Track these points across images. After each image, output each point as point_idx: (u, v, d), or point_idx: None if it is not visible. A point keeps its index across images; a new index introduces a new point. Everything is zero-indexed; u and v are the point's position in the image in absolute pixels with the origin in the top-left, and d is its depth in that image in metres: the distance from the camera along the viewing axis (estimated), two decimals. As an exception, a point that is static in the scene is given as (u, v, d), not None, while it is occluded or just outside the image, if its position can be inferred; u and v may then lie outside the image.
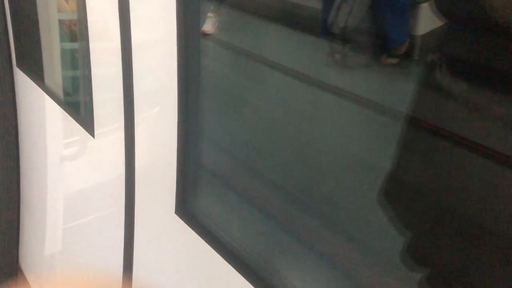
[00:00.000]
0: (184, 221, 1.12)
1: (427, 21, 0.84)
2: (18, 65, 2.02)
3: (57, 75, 1.98)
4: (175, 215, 1.15)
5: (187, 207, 1.14)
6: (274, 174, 1.15)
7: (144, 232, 1.34)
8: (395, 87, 0.96)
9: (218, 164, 1.21)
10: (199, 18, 1.06)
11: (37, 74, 1.92)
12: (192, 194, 1.16)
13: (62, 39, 1.97)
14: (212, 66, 1.21)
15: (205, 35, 1.26)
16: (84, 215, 1.73)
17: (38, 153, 2.05)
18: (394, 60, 0.94)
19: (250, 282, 0.96)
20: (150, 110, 1.22)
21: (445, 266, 0.78)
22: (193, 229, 1.10)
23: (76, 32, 1.86)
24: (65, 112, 1.69)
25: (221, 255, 1.03)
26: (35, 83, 1.88)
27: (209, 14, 1.32)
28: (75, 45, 1.92)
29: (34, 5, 1.88)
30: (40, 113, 1.95)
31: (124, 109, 1.26)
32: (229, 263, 1.01)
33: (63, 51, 1.99)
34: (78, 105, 1.78)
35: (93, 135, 1.48)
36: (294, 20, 1.20)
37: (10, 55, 2.04)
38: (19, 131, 2.17)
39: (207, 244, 1.06)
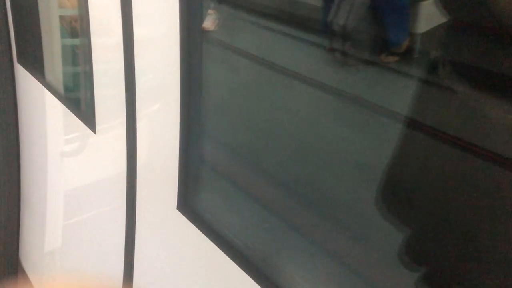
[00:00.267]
0: (186, 217, 1.12)
1: (427, 19, 0.84)
2: (19, 61, 2.02)
3: (58, 71, 1.97)
4: (177, 211, 1.15)
5: (189, 203, 1.14)
6: (276, 170, 1.15)
7: (145, 228, 1.34)
8: (394, 85, 0.96)
9: (220, 159, 1.21)
10: (202, 14, 1.06)
11: (38, 70, 1.92)
12: (194, 190, 1.16)
13: (62, 35, 1.97)
14: (213, 63, 1.21)
15: (205, 32, 1.26)
16: (85, 211, 1.73)
17: (38, 149, 2.05)
18: (394, 58, 0.94)
19: (253, 278, 0.96)
20: (152, 106, 1.22)
21: (443, 264, 0.78)
22: (195, 225, 1.10)
23: (77, 28, 1.86)
24: (66, 108, 1.68)
25: (223, 251, 1.03)
26: (36, 78, 1.88)
27: (210, 11, 1.32)
28: (76, 41, 1.91)
29: (35, 0, 1.88)
30: (41, 109, 1.95)
31: (126, 105, 1.26)
32: (231, 259, 1.01)
33: (64, 47, 1.99)
34: (79, 101, 1.78)
35: (94, 131, 1.48)
36: (293, 18, 1.19)
37: (11, 51, 2.04)
38: (19, 127, 2.17)
39: (209, 240, 1.06)
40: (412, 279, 0.82)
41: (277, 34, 1.27)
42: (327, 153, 1.08)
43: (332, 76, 1.08)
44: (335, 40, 1.05)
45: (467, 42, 0.75)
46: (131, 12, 1.16)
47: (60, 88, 1.83)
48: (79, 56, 1.83)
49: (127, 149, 1.30)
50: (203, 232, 1.08)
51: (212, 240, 1.06)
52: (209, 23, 1.29)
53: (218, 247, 1.04)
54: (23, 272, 2.41)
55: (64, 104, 1.70)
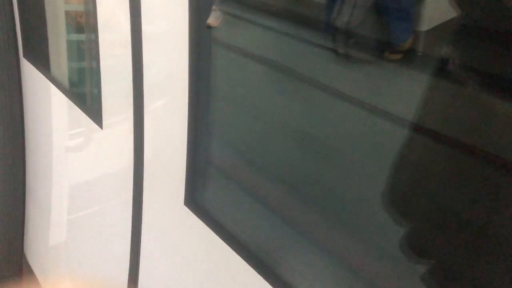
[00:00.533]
0: (193, 213, 1.12)
1: (432, 16, 0.84)
2: (25, 56, 2.02)
3: (64, 66, 1.98)
4: (185, 206, 1.15)
5: (196, 199, 1.14)
6: (283, 167, 1.15)
7: (152, 223, 1.34)
8: (398, 83, 0.96)
9: (228, 155, 1.21)
10: (211, 10, 1.06)
11: (43, 64, 1.92)
12: (202, 185, 1.16)
13: (68, 30, 1.97)
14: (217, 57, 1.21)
15: (209, 28, 1.26)
16: (90, 206, 1.73)
17: (44, 144, 2.05)
18: (397, 56, 0.94)
19: (260, 274, 0.96)
20: (159, 101, 1.22)
21: (447, 258, 0.78)
22: (203, 221, 1.10)
23: (82, 23, 1.86)
24: (71, 103, 1.68)
25: (230, 246, 1.03)
26: (42, 73, 1.88)
27: (214, 7, 1.32)
28: (82, 37, 1.92)
29: (41, -4, 1.88)
30: (47, 104, 1.95)
31: (134, 100, 1.26)
32: (239, 254, 1.01)
33: (69, 43, 1.99)
34: (85, 95, 1.78)
35: (101, 126, 1.48)
36: (297, 15, 1.19)
37: (17, 46, 2.04)
38: (25, 122, 2.17)
39: (217, 236, 1.06)
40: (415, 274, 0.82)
41: (280, 31, 1.27)
42: (330, 150, 1.08)
43: (336, 74, 1.08)
44: (338, 37, 1.04)
45: (478, 40, 0.75)
46: (140, 7, 1.16)
47: (66, 83, 1.84)
48: (85, 51, 1.83)
49: (134, 144, 1.31)
50: (211, 228, 1.08)
51: (220, 236, 1.06)
52: (213, 19, 1.29)
53: (226, 243, 1.04)
54: (28, 266, 2.42)
55: (70, 99, 1.70)
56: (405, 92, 0.91)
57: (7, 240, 2.27)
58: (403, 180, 0.89)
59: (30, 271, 2.39)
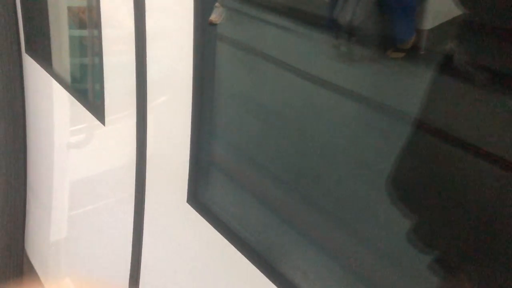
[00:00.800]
0: (196, 210, 1.12)
1: (435, 15, 0.84)
2: (27, 51, 2.01)
3: (66, 62, 1.97)
4: (187, 204, 1.14)
5: (199, 196, 1.14)
6: (287, 166, 1.14)
7: (154, 220, 1.33)
8: (401, 81, 0.96)
9: (231, 153, 1.20)
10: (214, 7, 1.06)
11: (45, 60, 1.91)
12: (205, 183, 1.16)
13: (70, 26, 1.97)
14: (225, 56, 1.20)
15: (212, 25, 1.25)
16: (92, 202, 1.73)
17: (46, 140, 2.05)
18: (400, 54, 0.93)
19: (263, 272, 0.96)
20: (163, 97, 1.21)
21: (453, 247, 0.79)
22: (205, 219, 1.09)
23: (85, 19, 1.85)
24: (73, 99, 1.68)
25: (233, 244, 1.03)
26: (44, 69, 1.88)
27: (216, 4, 1.32)
28: (84, 32, 1.91)
29: (44, -9, 1.87)
30: (49, 100, 1.94)
31: (137, 96, 1.26)
32: (241, 252, 1.01)
33: (72, 38, 1.99)
34: (87, 92, 1.77)
35: (103, 122, 1.48)
36: (299, 12, 1.19)
37: (19, 41, 2.03)
38: (27, 117, 2.17)
39: (219, 234, 1.06)
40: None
41: (283, 29, 1.26)
42: (330, 150, 1.07)
43: (338, 72, 1.07)
44: (340, 35, 1.04)
45: (482, 39, 0.75)
46: (144, 2, 1.15)
47: (68, 79, 1.83)
48: (88, 47, 1.83)
49: (137, 141, 1.30)
50: (213, 226, 1.08)
51: (222, 234, 1.05)
52: (215, 16, 1.28)
53: (228, 240, 1.04)
54: (28, 262, 2.42)
55: (72, 95, 1.69)
56: (408, 90, 0.90)
57: (8, 237, 2.26)
58: (407, 177, 0.89)
59: (31, 268, 2.39)
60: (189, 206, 1.14)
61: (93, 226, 1.74)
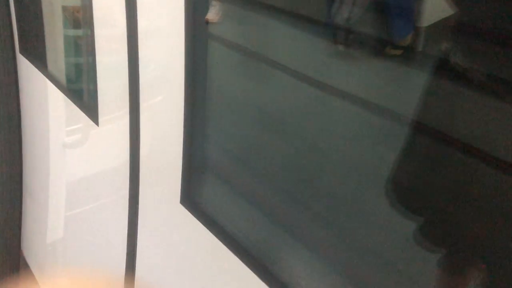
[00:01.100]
0: (189, 211, 1.11)
1: (432, 12, 0.83)
2: (21, 52, 2.00)
3: (60, 62, 1.96)
4: (181, 205, 1.14)
5: (193, 197, 1.13)
6: (280, 167, 1.14)
7: (148, 221, 1.33)
8: (399, 79, 0.95)
9: (224, 153, 1.20)
10: (208, 4, 1.05)
11: (40, 60, 1.91)
12: (198, 184, 1.15)
13: (65, 26, 1.96)
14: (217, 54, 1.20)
15: (209, 23, 1.25)
16: (87, 203, 1.72)
17: (41, 140, 2.04)
18: (398, 52, 0.93)
19: (256, 274, 0.95)
20: (156, 97, 1.21)
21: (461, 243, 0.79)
22: (198, 220, 1.09)
23: (79, 19, 1.84)
24: (68, 99, 1.67)
25: (226, 245, 1.02)
26: (38, 70, 1.87)
27: (213, 2, 1.31)
28: (79, 32, 1.90)
29: (37, -9, 1.86)
30: (43, 100, 1.94)
31: (130, 96, 1.25)
32: (235, 253, 1.00)
33: (66, 38, 1.97)
34: (81, 92, 1.77)
35: (97, 123, 1.47)
36: (297, 11, 1.18)
37: (13, 42, 2.02)
38: (21, 118, 2.16)
39: (212, 235, 1.05)
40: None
41: (282, 27, 1.25)
42: (328, 148, 1.07)
43: (335, 68, 1.07)
44: (339, 33, 1.04)
45: (476, 36, 0.74)
46: (136, 2, 1.14)
47: (63, 79, 1.82)
48: (82, 47, 1.82)
49: (130, 141, 1.29)
50: (206, 227, 1.07)
51: (215, 235, 1.05)
52: (212, 15, 1.28)
53: (222, 241, 1.03)
54: (25, 263, 2.41)
55: (67, 96, 1.69)
56: (406, 86, 0.90)
57: (4, 237, 2.26)
58: (407, 175, 0.89)
59: (27, 268, 2.39)
60: (183, 207, 1.13)
61: (88, 227, 1.74)
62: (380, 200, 0.90)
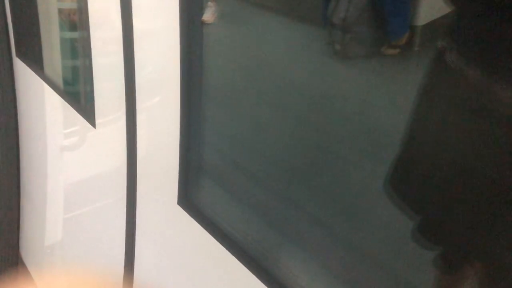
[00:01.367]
0: (187, 212, 1.12)
1: (429, 11, 0.84)
2: (18, 55, 2.00)
3: (57, 65, 1.96)
4: (178, 206, 1.14)
5: (190, 198, 1.13)
6: (277, 166, 1.14)
7: (146, 223, 1.33)
8: (396, 77, 0.95)
9: (221, 154, 1.20)
10: (202, 6, 1.05)
11: (36, 63, 1.91)
12: (195, 184, 1.16)
13: (61, 29, 1.96)
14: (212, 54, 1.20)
15: (205, 24, 1.25)
16: (85, 204, 1.73)
17: (38, 143, 2.04)
18: (395, 51, 0.93)
19: (254, 274, 0.96)
20: (152, 99, 1.21)
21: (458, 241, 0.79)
22: (196, 220, 1.09)
23: (76, 21, 1.85)
24: (65, 102, 1.68)
25: (224, 246, 1.03)
26: (35, 72, 1.87)
27: (209, 3, 1.31)
28: (75, 35, 1.90)
29: (33, -6, 1.86)
30: (40, 103, 1.94)
31: (126, 98, 1.25)
32: (233, 254, 1.01)
33: (63, 41, 1.97)
34: (78, 94, 1.77)
35: (94, 125, 1.47)
36: (293, 10, 1.18)
37: (9, 45, 2.02)
38: (18, 121, 2.16)
39: (210, 236, 1.06)
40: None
41: (276, 25, 1.26)
42: (324, 147, 1.07)
43: (331, 67, 1.07)
44: (335, 33, 1.04)
45: (472, 34, 0.75)
46: (131, 4, 1.15)
47: (59, 82, 1.82)
48: (78, 50, 1.82)
49: (127, 143, 1.30)
50: (204, 228, 1.07)
51: (213, 235, 1.05)
52: (208, 16, 1.28)
53: (219, 241, 1.04)
54: (23, 265, 2.41)
55: (63, 98, 1.69)
56: (403, 85, 0.90)
57: (3, 240, 2.26)
58: (407, 173, 0.89)
59: (25, 270, 2.39)
60: (180, 208, 1.14)
61: (86, 228, 1.74)
62: (378, 197, 0.90)
